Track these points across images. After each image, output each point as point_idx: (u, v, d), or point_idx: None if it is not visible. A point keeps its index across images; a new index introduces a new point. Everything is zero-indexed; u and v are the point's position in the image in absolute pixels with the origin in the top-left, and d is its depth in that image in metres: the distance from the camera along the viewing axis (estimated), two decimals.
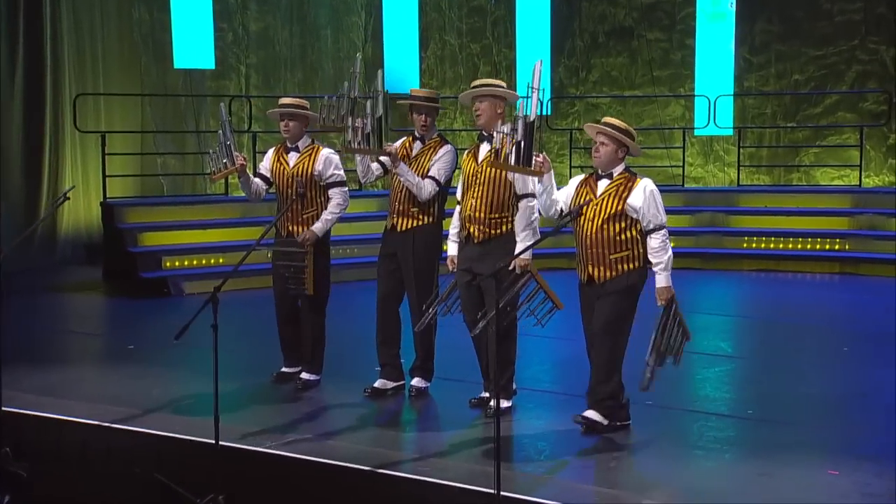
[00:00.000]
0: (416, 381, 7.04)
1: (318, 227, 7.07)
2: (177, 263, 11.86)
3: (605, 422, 6.03)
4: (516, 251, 6.24)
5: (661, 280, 5.93)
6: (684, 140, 15.31)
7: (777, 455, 5.77)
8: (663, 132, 16.00)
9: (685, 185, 15.06)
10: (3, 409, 6.19)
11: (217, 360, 5.43)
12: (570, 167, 15.52)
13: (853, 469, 5.53)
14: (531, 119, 5.77)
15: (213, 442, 5.51)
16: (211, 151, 7.19)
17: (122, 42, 14.17)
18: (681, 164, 15.18)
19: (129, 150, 13.63)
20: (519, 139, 5.77)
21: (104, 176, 12.38)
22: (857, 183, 14.48)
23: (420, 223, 6.84)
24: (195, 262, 12.02)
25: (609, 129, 5.98)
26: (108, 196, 12.36)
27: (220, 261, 12.12)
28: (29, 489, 5.85)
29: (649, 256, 5.96)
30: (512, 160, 5.84)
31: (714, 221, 13.99)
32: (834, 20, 15.26)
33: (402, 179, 6.74)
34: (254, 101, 14.48)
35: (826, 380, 7.64)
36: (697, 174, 15.94)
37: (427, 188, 6.76)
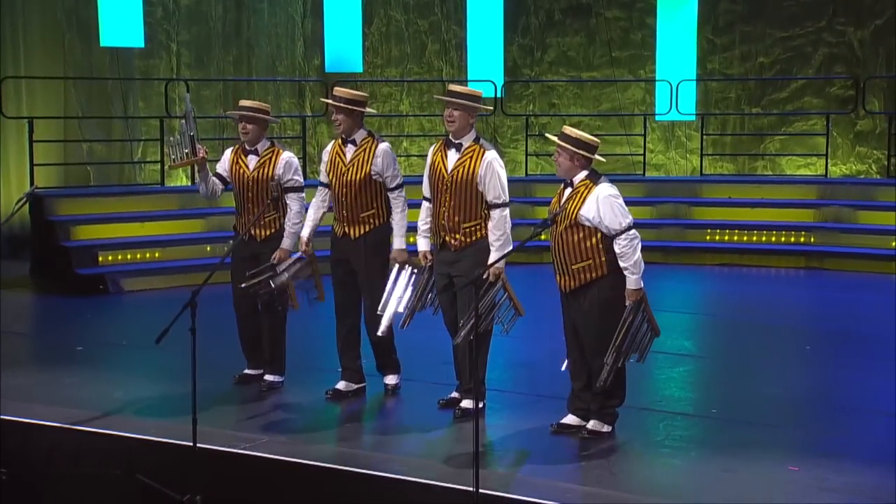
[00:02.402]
0: (389, 379, 7.90)
1: (287, 243, 7.82)
2: (110, 258, 12.52)
3: (609, 429, 6.91)
4: (490, 260, 7.07)
5: (632, 283, 6.73)
6: (645, 128, 16.27)
7: (741, 453, 6.69)
8: (623, 117, 16.93)
9: (646, 175, 16.04)
10: None
11: (195, 364, 6.23)
12: (526, 154, 16.41)
13: (813, 465, 6.46)
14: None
15: (191, 444, 6.28)
16: (171, 139, 7.93)
17: (43, 19, 14.66)
18: (641, 152, 16.14)
19: (52, 136, 14.14)
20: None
21: (31, 164, 12.95)
22: (824, 172, 15.58)
23: (372, 227, 7.61)
24: (129, 257, 12.68)
25: (561, 142, 6.79)
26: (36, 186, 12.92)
27: (157, 255, 12.80)
28: (8, 492, 6.55)
29: (619, 261, 6.75)
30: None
31: (676, 213, 15.01)
32: None
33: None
34: (186, 82, 15.08)
35: (788, 380, 8.58)
36: (659, 161, 16.91)
37: (402, 203, 7.59)
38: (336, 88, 7.73)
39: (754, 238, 14.47)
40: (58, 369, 8.69)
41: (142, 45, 15.17)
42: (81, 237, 12.57)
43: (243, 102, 8.06)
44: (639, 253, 6.74)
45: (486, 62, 17.06)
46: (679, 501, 5.89)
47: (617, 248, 6.69)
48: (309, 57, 17.06)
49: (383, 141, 7.66)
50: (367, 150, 7.57)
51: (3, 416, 7.16)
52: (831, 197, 14.80)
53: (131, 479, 6.38)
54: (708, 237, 14.64)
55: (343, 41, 16.89)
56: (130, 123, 15.14)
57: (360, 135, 7.61)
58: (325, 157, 7.76)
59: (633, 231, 6.73)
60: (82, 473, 6.71)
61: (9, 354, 8.99)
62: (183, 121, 7.92)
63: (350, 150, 7.61)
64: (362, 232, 7.61)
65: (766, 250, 14.28)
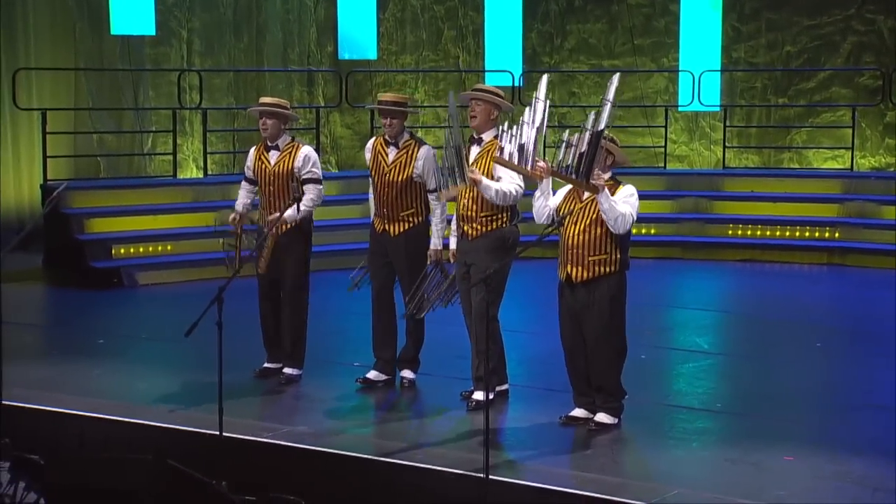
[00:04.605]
0: (406, 373, 8.82)
1: (288, 214, 8.58)
2: (122, 251, 13.46)
3: (615, 420, 7.81)
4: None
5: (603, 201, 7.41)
6: (667, 119, 17.08)
7: (741, 443, 7.59)
8: (645, 108, 17.72)
9: (668, 167, 16.89)
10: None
11: (221, 356, 7.13)
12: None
13: (809, 455, 7.37)
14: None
15: (217, 433, 7.19)
16: (227, 255, 8.89)
17: (54, 6, 15.55)
18: (663, 144, 16.96)
19: (62, 127, 14.98)
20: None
21: (45, 156, 13.87)
22: (850, 166, 16.37)
23: (411, 225, 8.58)
24: (142, 251, 13.61)
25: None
26: (48, 178, 13.83)
27: (169, 248, 13.72)
28: (44, 476, 7.47)
29: (603, 212, 7.48)
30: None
31: (697, 207, 15.85)
32: None
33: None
34: (195, 72, 15.97)
35: (797, 376, 9.46)
36: (682, 152, 17.70)
37: (442, 205, 8.48)
38: (382, 95, 8.74)
39: (777, 233, 15.26)
40: (82, 361, 9.66)
41: (153, 32, 15.92)
42: (95, 230, 13.49)
43: (263, 99, 9.00)
44: (618, 215, 7.45)
45: (504, 49, 17.78)
46: (677, 487, 6.77)
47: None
48: (322, 43, 17.94)
49: (425, 144, 8.62)
50: (409, 152, 8.52)
51: (36, 406, 8.12)
52: (856, 191, 15.61)
53: (161, 463, 7.28)
54: (730, 232, 15.42)
55: (357, 27, 17.68)
56: (141, 114, 16.03)
57: (403, 137, 8.56)
58: (368, 154, 8.72)
59: (627, 221, 7.50)
60: (114, 458, 7.62)
61: (33, 347, 9.97)
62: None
63: (392, 152, 8.56)
64: (402, 230, 8.57)
65: (788, 246, 15.08)
